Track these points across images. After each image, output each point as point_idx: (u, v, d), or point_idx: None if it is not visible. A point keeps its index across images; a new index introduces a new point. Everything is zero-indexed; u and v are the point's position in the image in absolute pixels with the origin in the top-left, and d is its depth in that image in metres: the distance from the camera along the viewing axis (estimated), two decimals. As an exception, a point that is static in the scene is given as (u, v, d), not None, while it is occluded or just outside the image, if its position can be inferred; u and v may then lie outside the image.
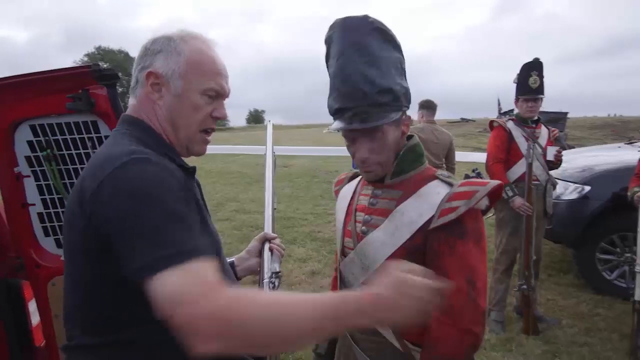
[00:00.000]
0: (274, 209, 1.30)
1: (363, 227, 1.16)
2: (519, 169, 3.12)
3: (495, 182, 1.05)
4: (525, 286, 3.04)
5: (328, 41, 1.10)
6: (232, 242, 5.23)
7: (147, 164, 0.75)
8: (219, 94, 0.95)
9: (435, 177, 1.11)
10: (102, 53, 56.74)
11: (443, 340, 0.97)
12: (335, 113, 1.08)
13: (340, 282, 1.25)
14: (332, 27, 1.08)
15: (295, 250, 4.95)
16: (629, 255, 3.55)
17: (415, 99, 4.46)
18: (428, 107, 4.16)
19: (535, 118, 3.23)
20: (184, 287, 0.67)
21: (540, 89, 3.14)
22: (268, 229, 1.23)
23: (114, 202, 0.72)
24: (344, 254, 1.22)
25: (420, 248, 1.04)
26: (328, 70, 1.12)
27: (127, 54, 56.57)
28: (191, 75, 0.90)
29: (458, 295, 0.96)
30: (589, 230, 3.65)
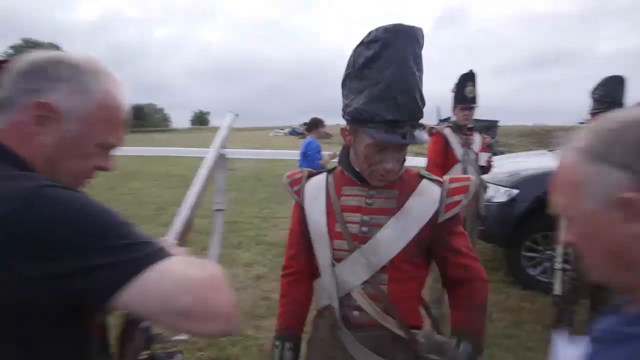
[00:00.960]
0: (220, 210, 1.24)
1: (364, 228, 1.20)
2: (454, 173, 3.31)
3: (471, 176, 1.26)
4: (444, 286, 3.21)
5: (383, 43, 1.04)
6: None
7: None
8: (114, 147, 0.83)
9: (422, 177, 1.25)
10: (30, 45, 52.56)
11: (475, 290, 1.22)
12: (386, 123, 1.06)
13: (333, 283, 1.22)
14: (388, 30, 1.05)
15: (240, 255, 4.88)
16: (550, 252, 3.87)
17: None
18: None
19: (470, 125, 3.45)
20: None
21: (475, 99, 3.37)
22: (174, 234, 0.96)
23: None
24: (335, 257, 1.23)
25: (426, 238, 1.20)
26: (364, 71, 1.07)
27: (58, 48, 52.79)
28: (94, 124, 0.75)
29: (471, 259, 1.22)
30: (516, 230, 3.94)
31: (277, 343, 1.35)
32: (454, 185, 1.22)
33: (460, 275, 1.22)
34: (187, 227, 0.99)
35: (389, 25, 1.06)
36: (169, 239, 0.93)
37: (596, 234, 0.56)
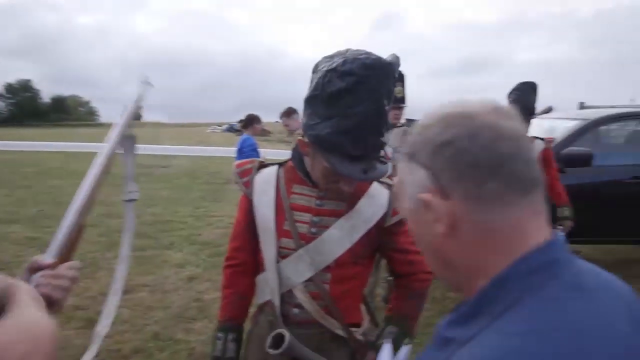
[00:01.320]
0: (131, 201, 0.99)
1: (313, 229, 1.20)
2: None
3: None
4: (391, 277, 3.34)
5: (358, 80, 1.01)
6: (99, 250, 4.73)
7: None
8: None
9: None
10: None
11: (416, 280, 1.27)
12: (350, 156, 1.05)
13: (276, 280, 1.21)
14: (367, 67, 1.01)
15: (171, 256, 4.68)
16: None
17: (297, 107, 4.58)
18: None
19: (399, 124, 3.57)
20: None
21: (404, 99, 3.50)
22: (55, 247, 0.75)
23: None
24: (280, 254, 1.21)
25: (373, 240, 1.22)
26: (333, 100, 1.03)
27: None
28: None
29: (415, 254, 1.25)
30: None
31: (219, 334, 1.31)
32: None
33: (405, 270, 1.28)
34: (75, 235, 0.78)
35: (367, 60, 1.01)
36: (45, 258, 0.73)
37: (418, 233, 0.57)
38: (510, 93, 3.17)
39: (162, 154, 11.31)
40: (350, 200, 1.21)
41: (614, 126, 4.83)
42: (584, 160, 3.76)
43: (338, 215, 1.20)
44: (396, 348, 1.11)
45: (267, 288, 1.24)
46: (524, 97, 3.08)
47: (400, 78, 3.50)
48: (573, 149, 3.84)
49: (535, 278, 0.48)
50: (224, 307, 1.34)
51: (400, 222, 1.23)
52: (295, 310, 1.20)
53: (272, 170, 1.29)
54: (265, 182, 1.27)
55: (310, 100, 1.10)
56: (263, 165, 1.32)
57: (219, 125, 36.79)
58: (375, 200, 1.22)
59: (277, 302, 1.21)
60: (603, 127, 4.57)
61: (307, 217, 1.21)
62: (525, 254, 0.50)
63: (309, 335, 1.20)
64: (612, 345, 0.44)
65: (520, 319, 0.46)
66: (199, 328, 3.12)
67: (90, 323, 3.18)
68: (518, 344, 0.43)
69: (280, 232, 1.21)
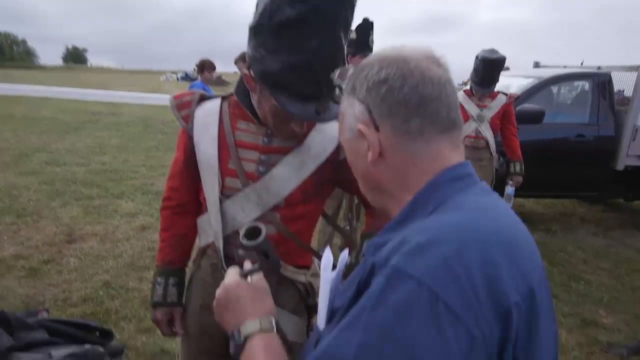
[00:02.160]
0: None
1: (261, 168, 1.11)
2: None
3: None
4: (348, 227, 3.39)
5: (313, 7, 0.89)
6: (41, 199, 4.47)
7: None
8: None
9: None
10: None
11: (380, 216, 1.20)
12: (302, 96, 0.94)
13: (219, 221, 1.14)
14: None
15: (122, 205, 4.50)
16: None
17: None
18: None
19: None
20: None
21: (371, 48, 3.41)
22: None
23: None
24: (225, 193, 1.13)
25: (328, 177, 1.14)
26: (282, 31, 0.91)
27: None
28: None
29: None
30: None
31: (159, 279, 1.25)
32: None
33: None
34: None
35: None
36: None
37: (353, 161, 0.64)
38: (477, 66, 3.23)
39: (111, 101, 10.62)
40: (300, 136, 1.12)
41: (564, 86, 5.01)
42: (536, 118, 3.89)
43: (287, 152, 1.13)
44: None
45: (209, 230, 1.17)
46: (489, 74, 3.20)
47: (372, 25, 3.39)
48: (526, 106, 3.96)
49: (459, 183, 0.59)
50: (161, 250, 1.27)
51: None
52: (241, 252, 1.14)
53: (214, 104, 1.18)
54: (208, 117, 1.16)
55: (256, 30, 0.96)
56: (205, 97, 1.21)
57: (174, 72, 34.87)
58: (325, 135, 1.13)
59: (220, 244, 1.14)
60: (554, 87, 4.73)
61: (254, 155, 1.13)
62: (451, 166, 0.59)
63: None
64: (512, 221, 0.58)
65: (452, 207, 0.56)
66: (152, 276, 3.07)
67: (33, 272, 3.04)
68: (452, 217, 0.54)
69: (225, 171, 1.13)
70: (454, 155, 0.61)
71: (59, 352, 1.84)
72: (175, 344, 1.27)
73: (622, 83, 4.76)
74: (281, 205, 1.12)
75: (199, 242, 1.24)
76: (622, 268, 3.79)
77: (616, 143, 4.37)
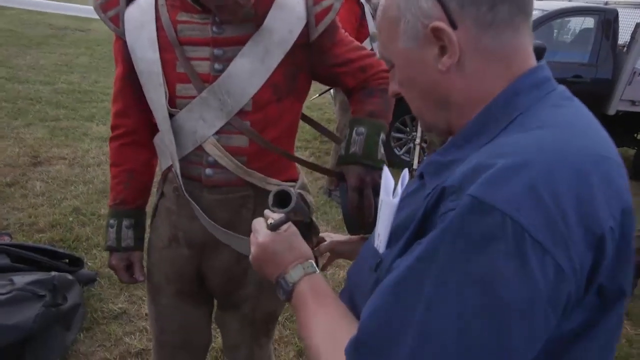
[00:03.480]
0: None
1: (217, 65, 0.93)
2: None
3: None
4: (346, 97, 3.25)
5: None
6: (3, 117, 4.13)
7: None
8: None
9: None
10: None
11: (377, 78, 1.01)
12: None
13: (172, 139, 0.96)
14: None
15: (93, 129, 4.22)
16: (415, 134, 4.14)
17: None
18: None
19: None
20: None
21: None
22: None
23: None
24: (175, 104, 0.94)
25: (300, 64, 0.97)
26: None
27: None
28: None
29: (365, 58, 1.01)
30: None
31: (111, 221, 1.10)
32: None
33: (360, 78, 1.01)
34: None
35: None
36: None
37: (409, 77, 0.56)
38: None
39: (78, 15, 9.73)
40: (258, 20, 0.93)
41: (567, 21, 4.75)
42: (537, 54, 3.68)
43: (246, 41, 0.93)
44: (370, 145, 0.97)
45: (166, 151, 1.01)
46: None
47: None
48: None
49: (538, 91, 0.52)
50: (113, 188, 1.10)
51: (331, 31, 0.97)
52: (209, 171, 0.98)
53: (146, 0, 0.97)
54: (142, 15, 0.96)
55: None
56: None
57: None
58: (288, 12, 0.94)
59: (177, 167, 0.98)
60: (557, 21, 4.48)
61: (205, 51, 0.93)
62: (532, 68, 0.52)
63: (229, 201, 1.00)
64: (600, 133, 0.51)
65: (534, 123, 0.49)
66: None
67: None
68: (535, 136, 0.47)
69: (172, 77, 0.95)
70: (530, 51, 0.53)
71: (22, 279, 1.72)
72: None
73: (628, 22, 4.54)
74: (249, 109, 0.94)
75: (160, 166, 1.07)
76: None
77: (612, 87, 4.24)
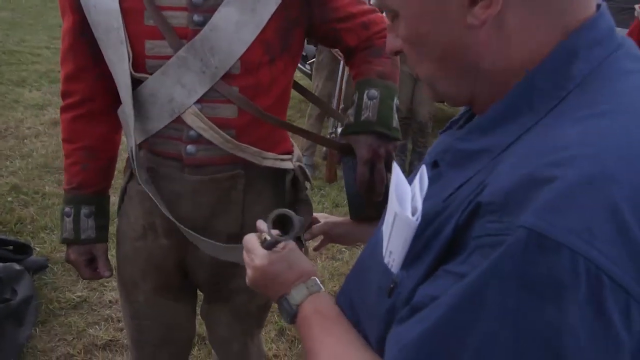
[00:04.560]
0: None
1: (197, 17, 0.77)
2: None
3: None
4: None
5: None
6: None
7: None
8: None
9: None
10: None
11: (381, 37, 0.88)
12: None
13: (132, 115, 0.80)
14: None
15: (25, 95, 3.77)
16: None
17: None
18: None
19: None
20: None
21: None
22: None
23: None
24: (145, 66, 0.78)
25: (299, 21, 0.82)
26: None
27: None
28: None
29: (368, 13, 0.88)
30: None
31: (67, 209, 0.93)
32: None
33: (362, 35, 0.88)
34: None
35: None
36: None
37: (427, 32, 0.42)
38: None
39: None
40: None
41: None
42: None
43: None
44: (385, 110, 0.84)
45: (131, 123, 0.85)
46: None
47: None
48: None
49: (601, 49, 0.39)
50: (67, 169, 0.93)
51: None
52: (191, 148, 0.84)
53: None
54: None
55: None
56: None
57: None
58: None
59: (132, 143, 0.83)
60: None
61: None
62: (590, 19, 0.39)
63: (215, 182, 0.86)
64: None
65: (601, 97, 0.37)
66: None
67: None
68: (613, 129, 0.35)
69: (139, 31, 0.78)
70: None
71: (-42, 274, 1.49)
72: (113, 256, 1.00)
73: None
74: (237, 71, 0.80)
75: (127, 142, 0.90)
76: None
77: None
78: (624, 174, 0.32)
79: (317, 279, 0.58)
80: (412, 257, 0.42)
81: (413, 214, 0.41)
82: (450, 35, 0.41)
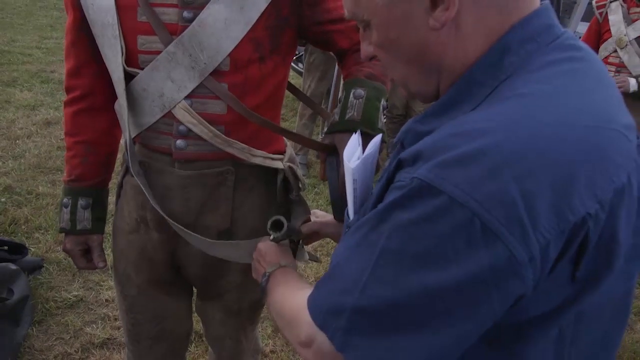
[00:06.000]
0: None
1: (186, 13, 0.79)
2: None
3: None
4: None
5: None
6: None
7: None
8: None
9: None
10: None
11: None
12: None
13: (125, 107, 0.82)
14: None
15: (17, 95, 3.74)
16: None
17: None
18: None
19: None
20: None
21: None
22: None
23: None
24: (138, 61, 0.80)
25: (290, 20, 0.84)
26: None
27: None
28: None
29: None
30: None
31: (65, 200, 0.95)
32: None
33: (354, 39, 0.88)
34: None
35: None
36: None
37: (396, 36, 0.47)
38: None
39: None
40: None
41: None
42: None
43: None
44: (371, 110, 0.84)
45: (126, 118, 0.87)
46: None
47: None
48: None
49: (532, 44, 0.44)
50: (68, 161, 0.95)
51: None
52: (180, 143, 0.85)
53: None
54: None
55: None
56: None
57: None
58: None
59: (127, 135, 0.85)
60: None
61: None
62: (523, 19, 0.45)
63: (204, 177, 0.87)
64: (602, 94, 0.45)
65: (518, 85, 0.43)
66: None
67: None
68: (508, 109, 0.42)
69: (133, 27, 0.80)
70: None
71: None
72: (109, 255, 1.01)
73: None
74: (226, 68, 0.81)
75: (123, 135, 0.92)
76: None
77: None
78: (512, 144, 0.39)
79: (293, 262, 0.75)
80: (361, 204, 0.54)
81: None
82: (416, 38, 0.46)
